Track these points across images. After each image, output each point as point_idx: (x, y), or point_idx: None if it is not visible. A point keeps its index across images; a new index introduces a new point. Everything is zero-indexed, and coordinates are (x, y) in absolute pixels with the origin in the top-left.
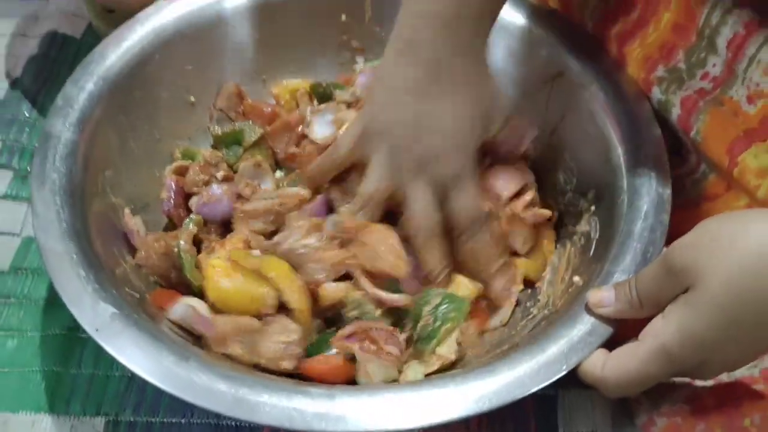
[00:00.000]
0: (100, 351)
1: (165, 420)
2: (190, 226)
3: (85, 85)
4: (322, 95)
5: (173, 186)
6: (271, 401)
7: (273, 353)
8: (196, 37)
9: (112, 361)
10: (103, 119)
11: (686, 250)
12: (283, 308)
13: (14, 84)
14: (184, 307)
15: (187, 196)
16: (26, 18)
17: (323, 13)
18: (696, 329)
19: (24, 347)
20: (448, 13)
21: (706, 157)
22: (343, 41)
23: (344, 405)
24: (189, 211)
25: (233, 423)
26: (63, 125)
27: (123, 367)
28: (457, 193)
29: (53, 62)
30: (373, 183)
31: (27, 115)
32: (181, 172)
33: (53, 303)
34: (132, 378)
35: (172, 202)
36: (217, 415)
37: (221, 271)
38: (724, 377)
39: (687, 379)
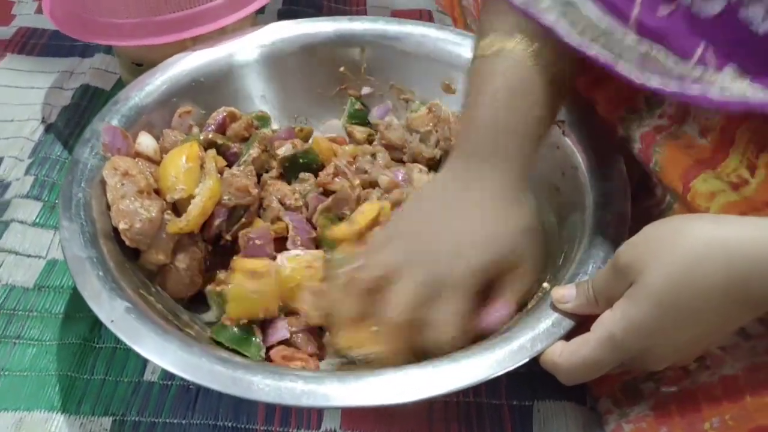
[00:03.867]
0: (111, 359)
1: (167, 420)
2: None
3: (110, 121)
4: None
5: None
6: (265, 381)
7: None
8: (209, 85)
9: (122, 368)
10: None
11: (630, 249)
12: None
13: (48, 129)
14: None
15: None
16: (62, 73)
17: (324, 66)
18: (636, 317)
19: (42, 355)
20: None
21: (663, 184)
22: (342, 90)
23: (330, 385)
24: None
25: (230, 424)
26: (89, 154)
27: (131, 373)
28: (440, 303)
29: (84, 110)
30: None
31: (58, 155)
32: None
33: (71, 317)
34: (139, 383)
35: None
36: (216, 416)
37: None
38: (687, 384)
39: (653, 386)
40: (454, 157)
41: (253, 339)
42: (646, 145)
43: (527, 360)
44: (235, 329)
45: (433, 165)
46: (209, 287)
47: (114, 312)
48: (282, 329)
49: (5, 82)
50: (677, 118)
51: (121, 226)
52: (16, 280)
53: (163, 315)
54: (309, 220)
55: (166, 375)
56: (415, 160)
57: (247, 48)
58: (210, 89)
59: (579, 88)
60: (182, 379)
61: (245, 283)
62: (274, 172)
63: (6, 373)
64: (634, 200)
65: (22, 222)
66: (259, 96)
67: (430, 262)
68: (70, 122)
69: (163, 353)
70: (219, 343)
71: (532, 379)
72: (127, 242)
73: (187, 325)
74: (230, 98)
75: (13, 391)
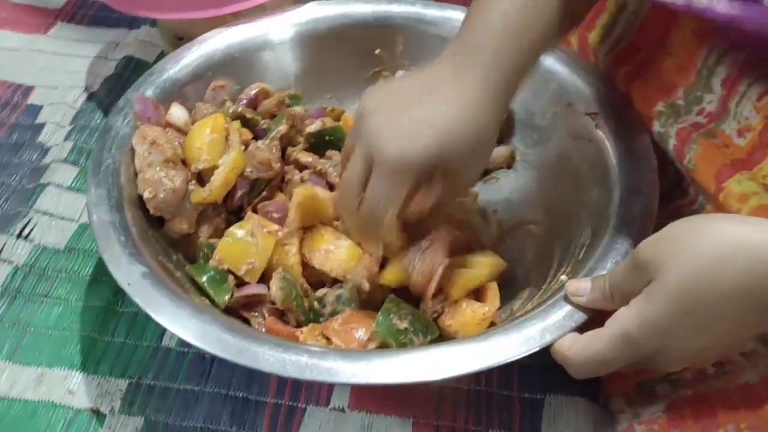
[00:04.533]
0: (132, 323)
1: (181, 387)
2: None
3: (144, 92)
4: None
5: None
6: (270, 352)
7: None
8: (244, 61)
9: (142, 333)
10: None
11: (651, 246)
12: None
13: (90, 97)
14: None
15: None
16: (108, 44)
17: (359, 48)
18: (651, 315)
19: (67, 314)
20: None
21: (696, 183)
22: (376, 72)
23: (334, 361)
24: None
25: (241, 395)
26: (121, 122)
27: (150, 338)
28: (373, 177)
29: (125, 81)
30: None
31: (97, 123)
32: None
33: (97, 280)
34: (157, 348)
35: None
36: (228, 386)
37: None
38: (704, 388)
39: (668, 388)
40: (460, 44)
41: (225, 284)
42: (681, 141)
43: (535, 350)
44: (213, 271)
45: None
46: (201, 239)
47: (131, 276)
48: (259, 287)
49: (54, 50)
50: (715, 116)
51: (146, 194)
52: (48, 241)
53: (180, 283)
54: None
55: (183, 342)
56: None
57: (283, 26)
58: (244, 65)
59: (617, 82)
60: (198, 347)
61: (244, 230)
62: (300, 147)
63: (32, 329)
64: (667, 199)
65: (58, 186)
66: (292, 74)
67: (385, 138)
68: (111, 92)
69: (175, 319)
70: (194, 283)
71: (545, 372)
72: (151, 211)
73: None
74: (264, 75)
75: (37, 347)
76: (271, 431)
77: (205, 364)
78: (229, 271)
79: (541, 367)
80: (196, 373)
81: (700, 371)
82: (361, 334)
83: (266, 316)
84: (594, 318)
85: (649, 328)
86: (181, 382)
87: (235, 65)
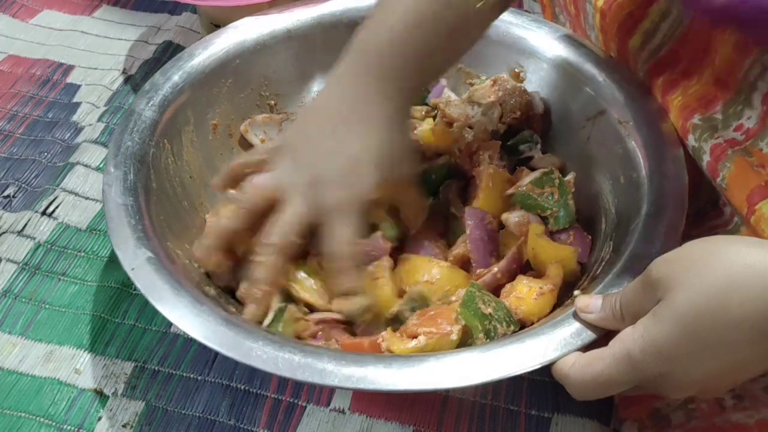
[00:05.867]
0: (143, 307)
1: (184, 374)
2: None
3: (171, 76)
4: None
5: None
6: (264, 348)
7: None
8: (274, 50)
9: (152, 317)
10: (181, 104)
11: (663, 264)
12: None
13: (127, 80)
14: None
15: None
16: (150, 28)
17: None
18: (657, 337)
19: (82, 294)
20: (387, 64)
21: (729, 203)
22: None
23: (328, 363)
24: None
25: (242, 387)
26: (146, 105)
27: (159, 323)
28: (331, 222)
29: (162, 65)
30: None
31: (126, 109)
32: None
33: (114, 261)
34: (165, 334)
35: None
36: (229, 378)
37: None
38: (720, 421)
39: (683, 418)
40: (352, 65)
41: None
42: (715, 159)
43: (534, 368)
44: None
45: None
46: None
47: (136, 260)
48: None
49: (96, 32)
50: (754, 133)
51: None
52: (71, 219)
53: (186, 271)
54: None
55: None
56: (476, 136)
57: (314, 16)
58: (272, 54)
59: (653, 90)
60: (192, 336)
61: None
62: None
63: (46, 306)
64: (701, 217)
65: (86, 165)
66: (322, 65)
67: (319, 184)
68: (148, 76)
69: (173, 306)
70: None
71: (556, 389)
72: None
73: (211, 284)
74: (290, 66)
75: (49, 324)
76: (269, 427)
77: (209, 353)
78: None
79: (553, 384)
80: (200, 362)
81: (718, 402)
82: (442, 321)
83: (338, 339)
84: (602, 338)
85: (653, 351)
86: (185, 370)
87: (266, 53)
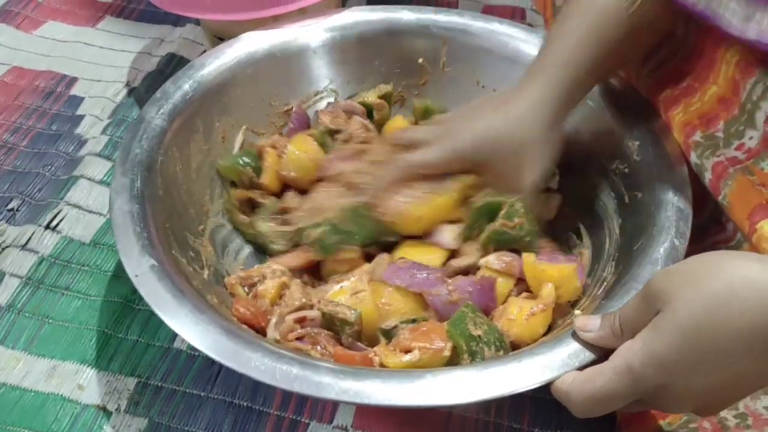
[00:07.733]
0: (147, 322)
1: (187, 390)
2: None
3: (182, 85)
4: None
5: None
6: (263, 359)
7: None
8: (284, 62)
9: (155, 332)
10: (190, 113)
11: (663, 277)
12: None
13: (131, 92)
14: None
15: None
16: (153, 40)
17: (401, 55)
18: (657, 349)
19: (85, 309)
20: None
21: (732, 220)
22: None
23: (325, 376)
24: None
25: (245, 404)
26: (156, 113)
27: (162, 338)
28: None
29: (166, 78)
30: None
31: (134, 118)
32: None
33: (118, 276)
34: (168, 349)
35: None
36: (233, 394)
37: None
38: None
39: None
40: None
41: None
42: (717, 176)
43: (532, 388)
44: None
45: None
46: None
47: (140, 268)
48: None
49: (100, 44)
50: (755, 153)
51: None
52: (75, 233)
53: (189, 279)
54: None
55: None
56: None
57: (323, 29)
58: (280, 67)
59: (657, 107)
60: (191, 344)
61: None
62: None
63: (50, 321)
64: (704, 233)
65: (89, 179)
66: (329, 79)
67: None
68: (152, 88)
69: (174, 314)
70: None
71: (559, 408)
72: None
73: (215, 293)
74: (297, 79)
75: (53, 339)
76: None
77: (212, 370)
78: None
79: (556, 402)
80: (203, 378)
81: (720, 423)
82: (435, 337)
83: (325, 345)
84: (600, 358)
85: (653, 363)
86: (188, 386)
87: (276, 66)
